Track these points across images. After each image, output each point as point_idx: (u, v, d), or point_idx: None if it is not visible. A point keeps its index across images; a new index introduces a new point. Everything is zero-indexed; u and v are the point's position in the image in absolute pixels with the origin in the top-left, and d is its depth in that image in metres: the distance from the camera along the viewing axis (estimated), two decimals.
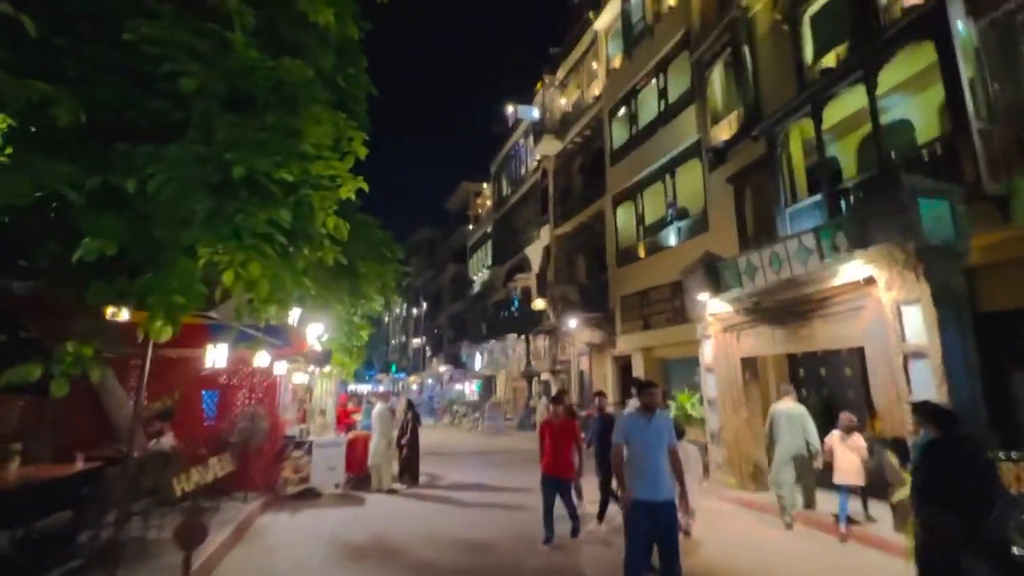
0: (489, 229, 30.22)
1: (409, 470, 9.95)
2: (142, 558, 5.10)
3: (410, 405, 10.73)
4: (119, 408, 6.75)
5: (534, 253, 22.94)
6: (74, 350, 3.48)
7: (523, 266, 24.26)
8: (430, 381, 41.16)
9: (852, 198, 8.12)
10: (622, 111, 16.39)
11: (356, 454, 9.83)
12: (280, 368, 9.01)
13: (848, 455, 6.29)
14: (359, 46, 6.02)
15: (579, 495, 7.07)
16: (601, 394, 8.09)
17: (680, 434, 5.44)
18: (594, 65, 18.87)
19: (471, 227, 34.63)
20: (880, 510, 6.26)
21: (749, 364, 8.78)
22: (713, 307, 9.06)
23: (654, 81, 14.67)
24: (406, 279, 10.58)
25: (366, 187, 4.33)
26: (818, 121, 8.66)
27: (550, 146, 20.95)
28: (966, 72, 6.56)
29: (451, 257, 37.86)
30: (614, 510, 6.64)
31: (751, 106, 10.69)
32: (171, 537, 4.36)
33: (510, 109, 25.82)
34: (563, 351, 19.76)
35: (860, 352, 8.29)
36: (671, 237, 13.61)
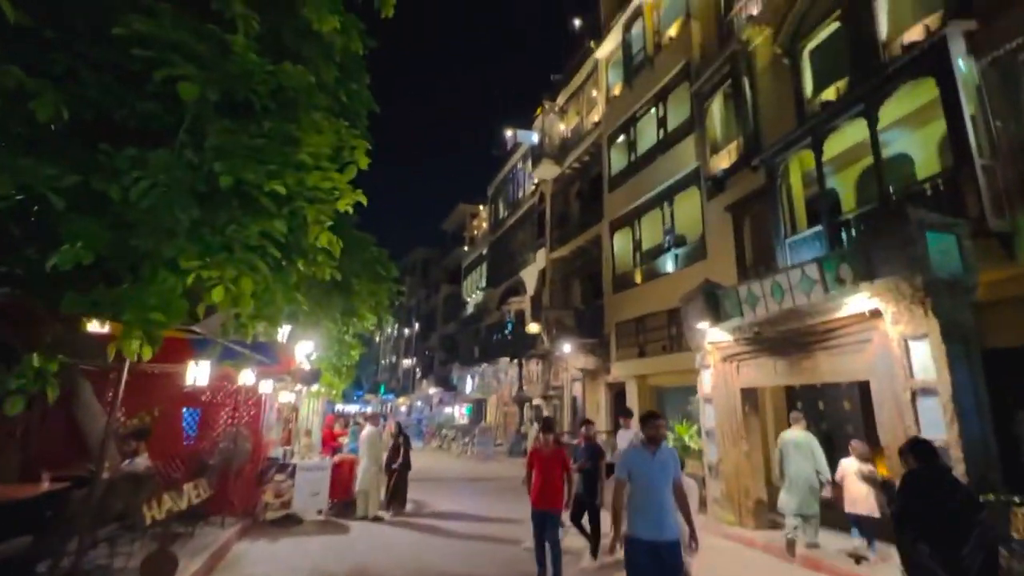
0: (484, 251, 30.16)
1: (397, 496, 9.57)
2: None
3: (400, 429, 10.38)
4: (94, 424, 6.41)
5: (529, 276, 22.83)
6: (39, 364, 3.24)
7: (518, 289, 24.11)
8: (419, 403, 40.50)
9: (854, 230, 8.10)
10: (621, 138, 16.51)
11: (341, 478, 9.44)
12: (266, 387, 8.70)
13: (861, 485, 6.19)
14: (363, 62, 5.94)
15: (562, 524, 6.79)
16: (589, 422, 7.90)
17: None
18: (594, 92, 19.10)
19: (466, 248, 34.60)
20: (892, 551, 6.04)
21: (749, 395, 8.58)
22: (712, 336, 8.90)
23: (653, 110, 14.81)
24: (399, 298, 10.37)
25: (364, 200, 4.17)
26: (819, 153, 8.69)
27: (548, 170, 21.05)
28: (968, 109, 6.59)
29: (445, 278, 37.71)
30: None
31: (751, 136, 10.75)
32: (139, 568, 4.04)
33: (509, 133, 26.07)
34: (556, 376, 19.47)
35: (859, 386, 8.16)
36: (668, 264, 13.55)
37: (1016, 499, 4.81)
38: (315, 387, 13.12)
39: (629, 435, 7.66)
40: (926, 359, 5.58)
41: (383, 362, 53.62)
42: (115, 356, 3.31)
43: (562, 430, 16.26)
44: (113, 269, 3.35)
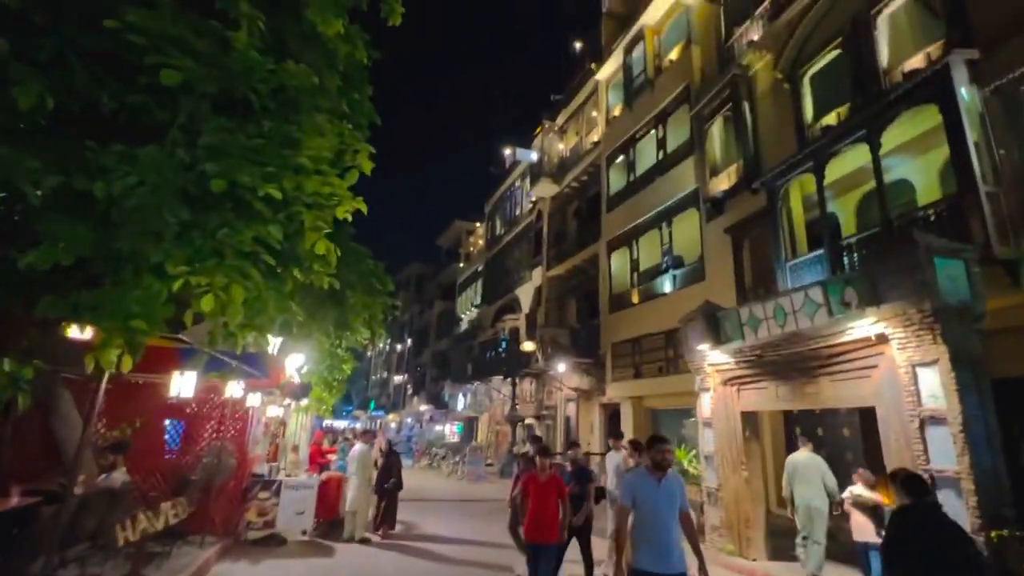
0: (480, 268, 30.03)
1: (387, 517, 9.23)
2: None
3: (390, 446, 10.08)
4: (72, 436, 6.13)
5: (525, 294, 22.67)
6: (11, 369, 3.03)
7: (513, 307, 23.93)
8: (410, 420, 39.87)
9: (856, 254, 8.04)
10: (620, 159, 16.55)
11: (328, 497, 9.11)
12: (254, 400, 8.44)
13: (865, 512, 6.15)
14: (366, 73, 5.86)
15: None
16: (575, 444, 7.69)
17: None
18: (594, 113, 19.24)
19: (462, 265, 34.45)
20: None
21: (750, 419, 8.40)
22: (713, 358, 8.74)
23: (653, 131, 14.88)
24: (394, 313, 10.17)
25: (364, 208, 4.02)
26: (820, 177, 8.68)
27: (546, 189, 21.07)
28: (972, 136, 6.59)
29: (440, 294, 37.49)
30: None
31: (751, 160, 10.77)
32: None
33: (508, 151, 26.16)
34: (550, 396, 19.19)
35: (859, 412, 8.03)
36: (666, 285, 13.45)
37: None
38: (304, 402, 12.80)
39: (617, 458, 7.46)
40: (935, 386, 5.45)
41: (374, 377, 52.95)
42: (94, 366, 3.10)
43: (555, 451, 15.94)
44: (97, 271, 3.17)
